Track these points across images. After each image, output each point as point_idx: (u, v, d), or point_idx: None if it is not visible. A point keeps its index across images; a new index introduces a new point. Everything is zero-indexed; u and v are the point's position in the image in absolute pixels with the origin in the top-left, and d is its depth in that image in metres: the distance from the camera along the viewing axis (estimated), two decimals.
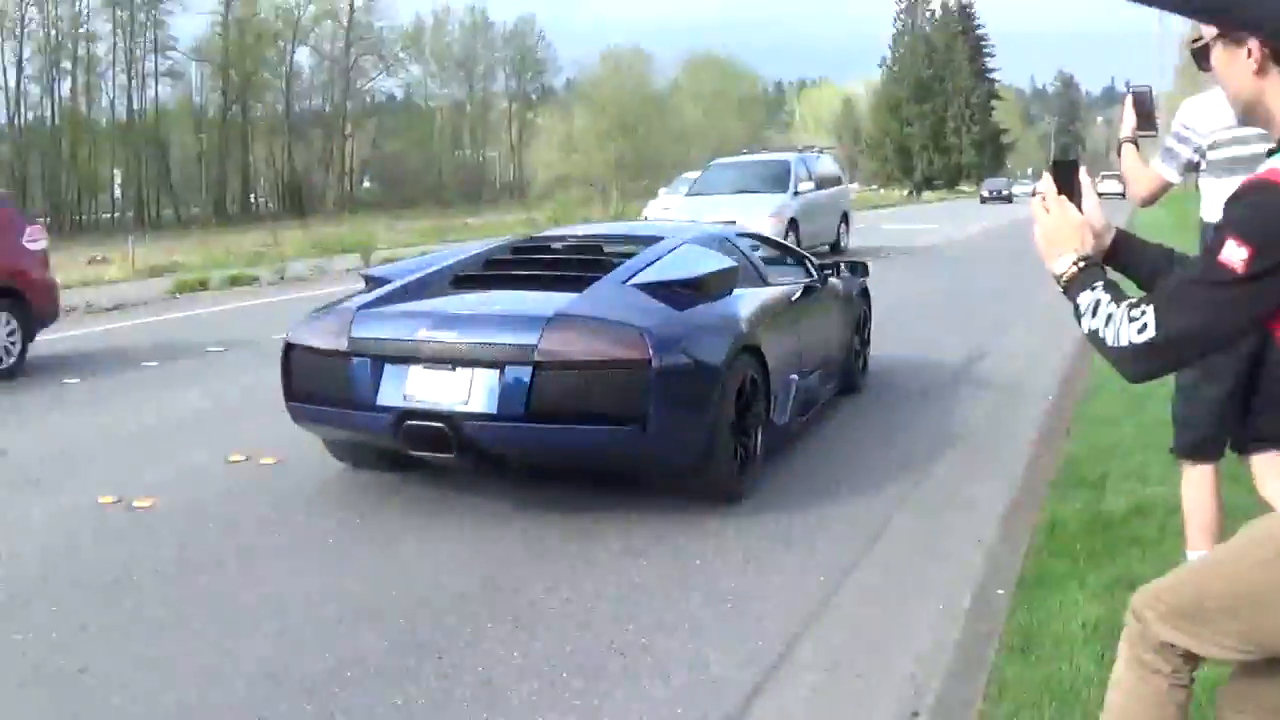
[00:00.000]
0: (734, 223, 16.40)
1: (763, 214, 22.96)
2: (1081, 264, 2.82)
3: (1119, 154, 5.56)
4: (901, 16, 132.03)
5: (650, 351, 6.51)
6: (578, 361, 6.53)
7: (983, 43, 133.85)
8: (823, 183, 25.98)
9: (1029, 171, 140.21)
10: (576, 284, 7.40)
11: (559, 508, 7.11)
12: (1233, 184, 4.95)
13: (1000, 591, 5.47)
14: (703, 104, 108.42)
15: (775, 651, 5.01)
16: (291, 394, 7.41)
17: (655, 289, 7.24)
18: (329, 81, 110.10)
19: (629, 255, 8.12)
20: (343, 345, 7.03)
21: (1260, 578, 2.74)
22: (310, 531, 6.76)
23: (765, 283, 8.68)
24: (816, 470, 7.98)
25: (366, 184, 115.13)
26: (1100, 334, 2.68)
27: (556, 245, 8.92)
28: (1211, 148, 5.25)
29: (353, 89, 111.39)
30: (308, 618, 5.42)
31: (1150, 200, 5.57)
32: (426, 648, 5.07)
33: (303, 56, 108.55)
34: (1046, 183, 2.94)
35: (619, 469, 7.13)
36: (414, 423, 6.72)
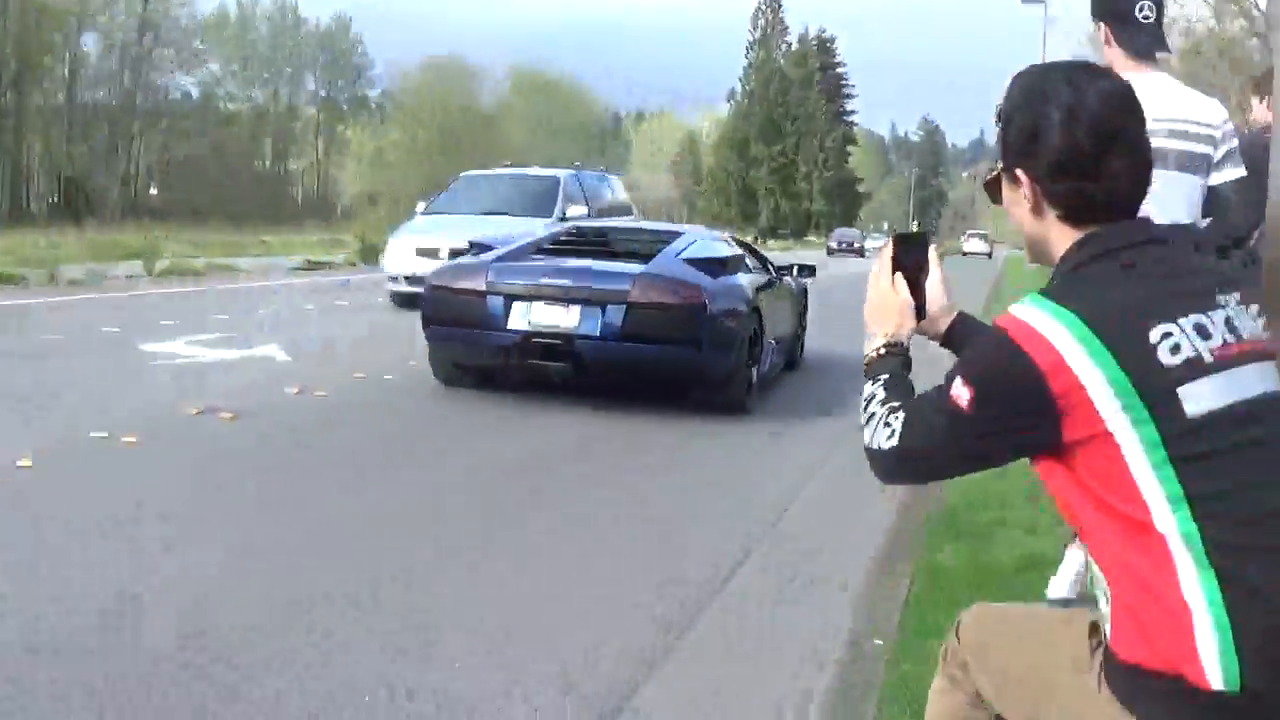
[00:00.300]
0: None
1: None
2: (883, 350, 2.93)
3: None
4: (754, 47, 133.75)
5: (705, 299, 10.81)
6: (657, 303, 10.78)
7: (842, 82, 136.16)
8: (604, 212, 23.02)
9: (884, 226, 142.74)
10: (642, 257, 11.90)
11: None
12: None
13: (877, 641, 5.34)
14: (531, 125, 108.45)
15: (613, 703, 4.81)
16: (432, 321, 11.48)
17: (698, 263, 11.52)
18: (117, 73, 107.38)
19: (665, 242, 12.49)
20: (482, 287, 11.16)
21: (1030, 655, 2.79)
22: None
23: (750, 271, 12.77)
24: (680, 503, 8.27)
25: (154, 190, 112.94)
26: (863, 429, 2.80)
27: (596, 233, 13.52)
28: None
29: (144, 83, 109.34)
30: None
31: None
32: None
33: (90, 42, 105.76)
34: (885, 255, 3.00)
35: (676, 378, 11.21)
36: (538, 340, 10.93)
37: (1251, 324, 2.59)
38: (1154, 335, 2.46)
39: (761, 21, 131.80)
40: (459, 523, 7.33)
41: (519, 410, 11.06)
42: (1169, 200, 5.29)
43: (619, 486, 8.54)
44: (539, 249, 12.36)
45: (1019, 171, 2.67)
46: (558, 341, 10.86)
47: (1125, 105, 2.63)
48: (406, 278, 20.73)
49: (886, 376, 2.83)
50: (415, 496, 7.93)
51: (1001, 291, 35.37)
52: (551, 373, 11.17)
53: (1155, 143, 5.08)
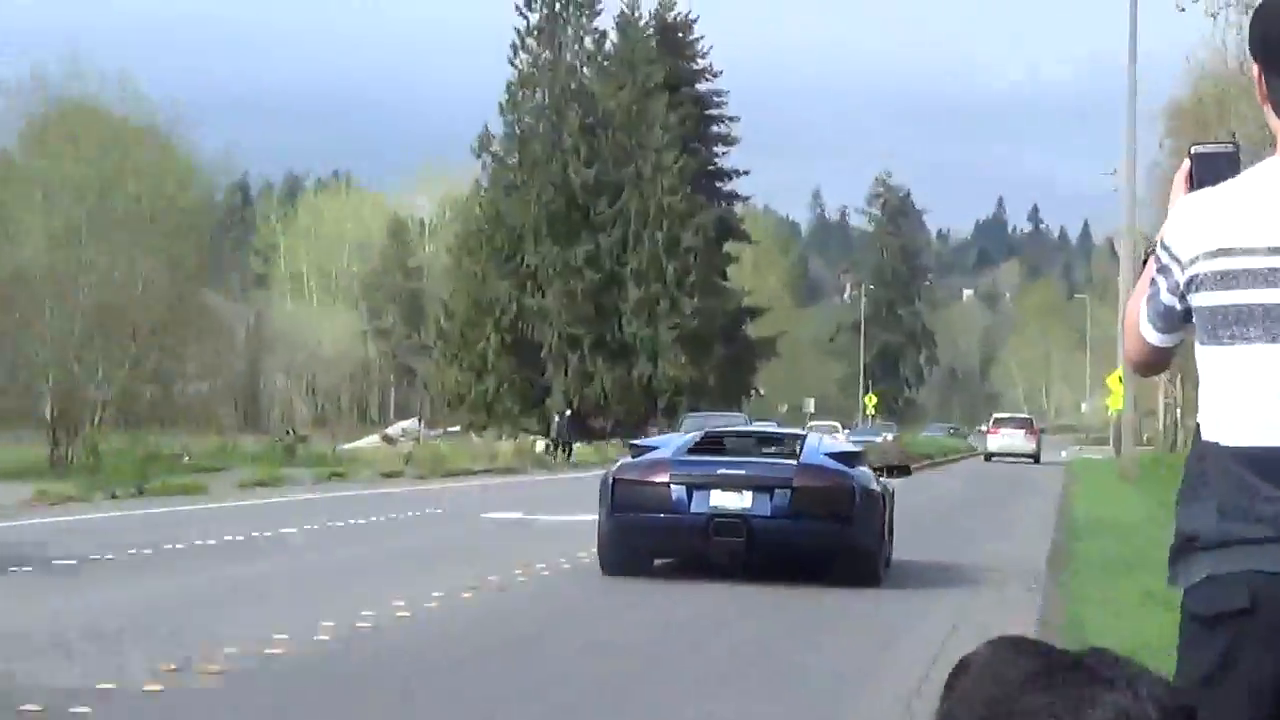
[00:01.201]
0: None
1: None
2: None
3: (1144, 266, 6.45)
4: (529, 39, 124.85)
5: (852, 484, 31.74)
6: (815, 488, 31.77)
7: (714, 113, 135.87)
8: None
9: (807, 408, 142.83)
10: (789, 454, 33.30)
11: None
12: (1255, 358, 5.98)
13: None
14: (69, 192, 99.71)
15: None
16: (619, 509, 31.43)
17: (837, 456, 32.96)
18: None
19: (791, 440, 35.39)
20: (667, 479, 31.41)
21: None
22: None
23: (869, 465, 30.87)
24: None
25: None
26: None
27: (726, 437, 36.55)
28: (1192, 285, 6.06)
29: None
30: None
31: (1142, 368, 6.79)
32: None
33: None
34: None
35: (830, 550, 31.30)
36: (720, 519, 30.27)
37: None
38: None
39: None
40: None
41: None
42: None
43: None
44: (690, 450, 29.95)
45: None
46: (736, 520, 27.75)
47: None
48: None
49: None
50: None
51: (1077, 554, 36.26)
52: (726, 549, 27.88)
53: (1236, 297, 6.19)
